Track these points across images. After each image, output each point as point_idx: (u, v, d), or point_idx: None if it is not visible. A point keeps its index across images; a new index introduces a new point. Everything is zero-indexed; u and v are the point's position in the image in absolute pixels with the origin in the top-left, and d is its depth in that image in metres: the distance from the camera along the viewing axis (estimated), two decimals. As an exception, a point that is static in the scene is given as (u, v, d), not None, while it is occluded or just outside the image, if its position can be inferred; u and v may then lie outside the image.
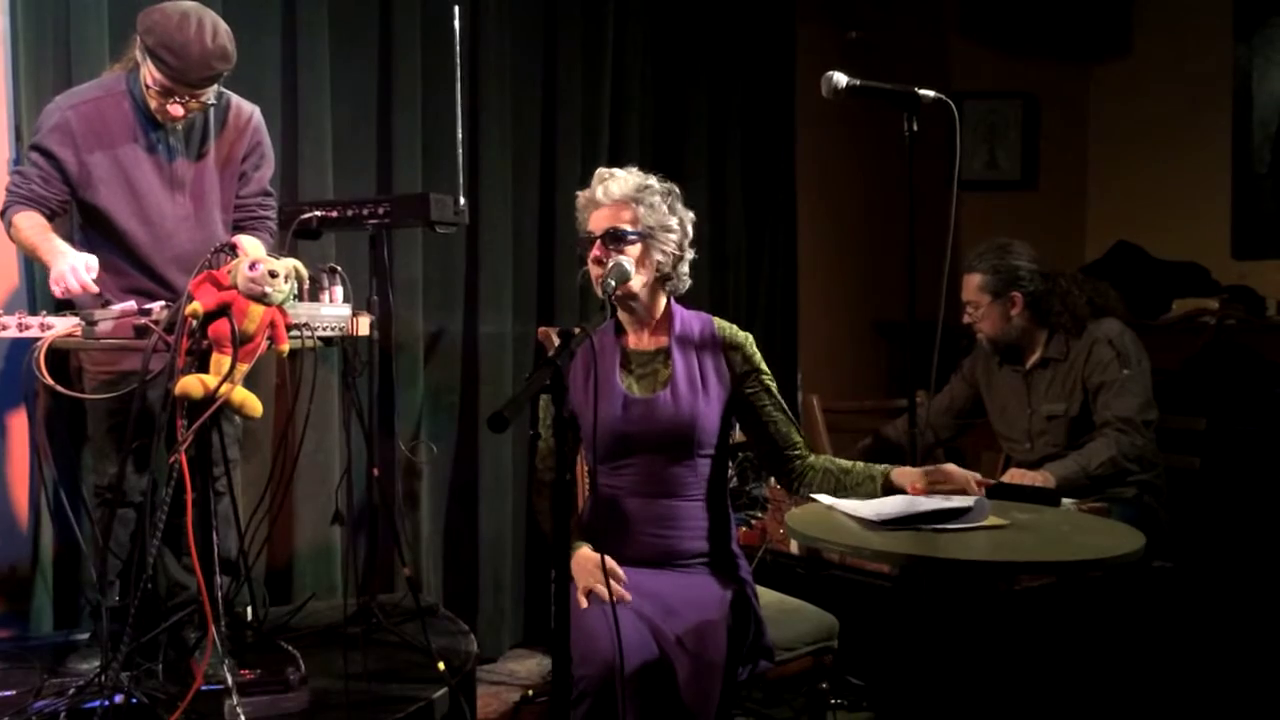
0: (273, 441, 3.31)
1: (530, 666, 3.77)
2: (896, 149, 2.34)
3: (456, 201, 2.97)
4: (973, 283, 3.25)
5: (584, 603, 2.18)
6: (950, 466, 2.24)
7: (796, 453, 2.39)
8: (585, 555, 2.26)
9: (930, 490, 2.19)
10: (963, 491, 2.17)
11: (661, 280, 2.35)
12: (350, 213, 2.92)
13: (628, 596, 2.17)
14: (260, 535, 2.78)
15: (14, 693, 2.45)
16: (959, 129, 2.34)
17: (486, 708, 3.27)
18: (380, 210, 2.91)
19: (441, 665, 2.66)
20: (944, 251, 2.41)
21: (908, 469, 2.27)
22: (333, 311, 2.48)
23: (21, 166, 2.64)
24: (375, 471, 2.99)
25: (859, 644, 2.77)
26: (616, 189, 2.29)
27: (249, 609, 2.94)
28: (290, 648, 2.65)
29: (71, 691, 2.38)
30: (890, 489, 2.25)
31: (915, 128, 2.27)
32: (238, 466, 2.86)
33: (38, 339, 2.25)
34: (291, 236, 2.80)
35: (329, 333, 2.48)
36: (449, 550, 3.80)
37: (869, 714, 3.13)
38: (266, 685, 2.41)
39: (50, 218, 2.60)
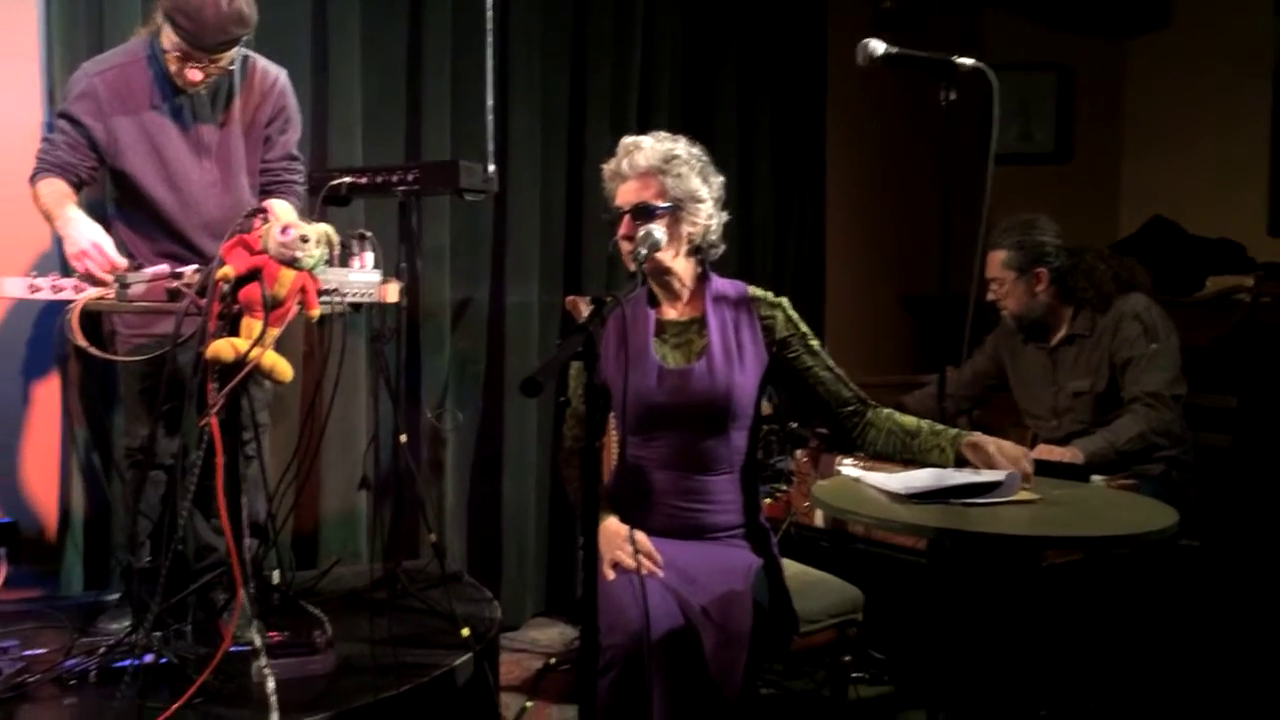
0: (300, 407, 3.33)
1: (552, 635, 3.79)
2: (926, 122, 2.31)
3: (486, 169, 2.96)
4: (997, 259, 3.23)
5: (610, 575, 2.17)
6: (995, 449, 2.17)
7: (852, 409, 2.34)
8: (613, 527, 2.25)
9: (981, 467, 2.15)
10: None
11: (693, 250, 2.32)
12: (380, 179, 2.91)
13: (660, 573, 2.17)
14: (287, 500, 2.79)
15: (45, 651, 2.47)
16: (995, 101, 2.30)
17: (509, 675, 3.29)
18: (409, 177, 2.90)
19: (466, 631, 2.68)
20: (974, 225, 2.38)
21: (976, 439, 2.19)
22: (362, 278, 2.47)
23: (51, 134, 2.65)
24: (402, 438, 3.00)
25: (882, 618, 2.77)
26: (642, 160, 2.26)
27: (276, 572, 2.97)
28: (317, 611, 2.67)
29: (102, 651, 2.40)
30: (961, 460, 2.19)
31: (953, 97, 2.23)
32: (267, 431, 2.87)
33: (71, 301, 2.26)
34: (321, 203, 2.79)
35: (358, 299, 2.48)
36: (473, 518, 3.82)
37: (889, 687, 3.13)
38: (294, 647, 2.43)
39: (78, 186, 2.60)
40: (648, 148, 2.27)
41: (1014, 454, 2.14)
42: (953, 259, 2.34)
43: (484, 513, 3.83)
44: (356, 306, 2.54)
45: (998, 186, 2.38)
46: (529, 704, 3.13)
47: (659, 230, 2.20)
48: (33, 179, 2.58)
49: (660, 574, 2.17)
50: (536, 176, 3.84)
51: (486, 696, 2.79)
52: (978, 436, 2.21)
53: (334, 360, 2.54)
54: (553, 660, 3.44)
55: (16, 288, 2.27)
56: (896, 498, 2.05)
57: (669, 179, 2.25)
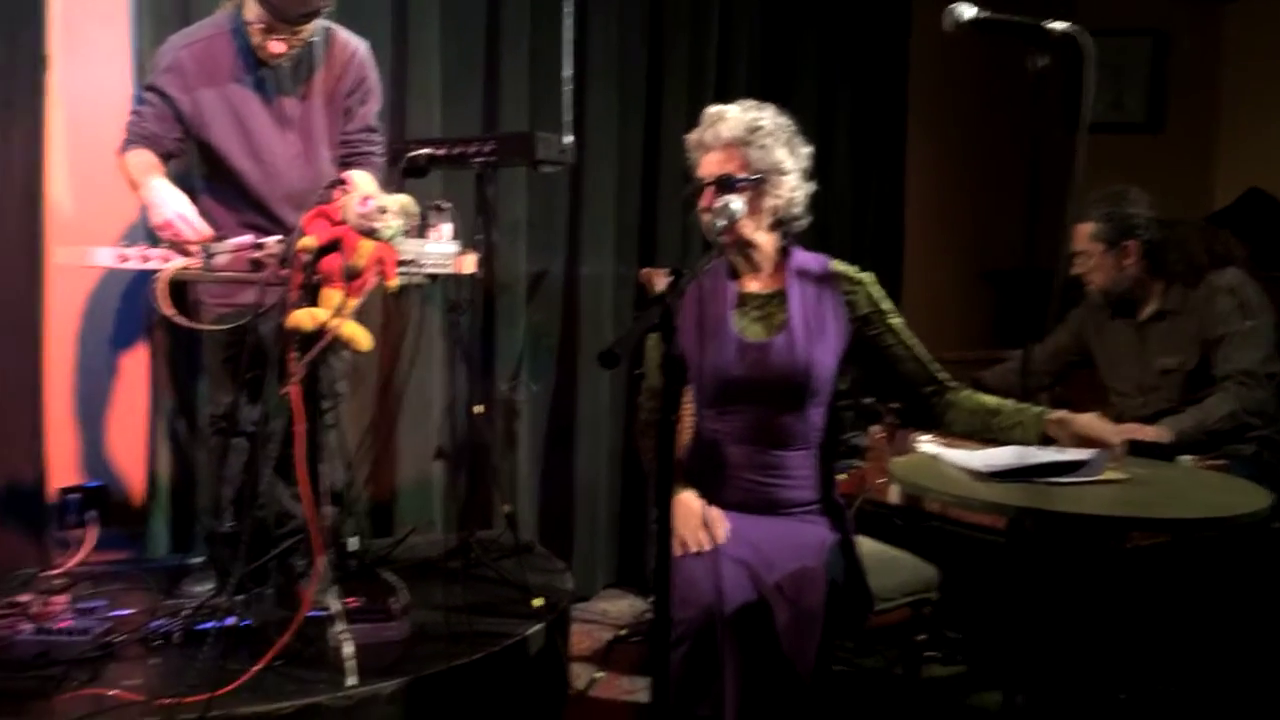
0: (377, 377, 3.37)
1: (622, 607, 3.80)
2: (1011, 90, 2.23)
3: (562, 140, 2.95)
4: (1084, 232, 3.14)
5: (680, 551, 2.16)
6: (1087, 423, 2.11)
7: (933, 388, 2.30)
8: (687, 502, 2.24)
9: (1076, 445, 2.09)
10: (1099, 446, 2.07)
11: (776, 223, 2.28)
12: (457, 151, 2.92)
13: (718, 541, 2.15)
14: (364, 468, 2.83)
15: (132, 612, 2.54)
16: (1088, 67, 2.21)
17: (579, 645, 3.31)
18: (486, 149, 2.90)
19: (538, 601, 2.69)
20: (1059, 197, 2.30)
21: (1061, 416, 2.14)
22: (439, 249, 2.47)
23: (139, 106, 2.69)
24: (477, 409, 3.01)
25: (957, 597, 2.72)
26: (726, 131, 2.22)
27: (354, 540, 3.01)
28: (393, 578, 2.70)
29: (186, 613, 2.47)
30: (1046, 437, 2.13)
31: (1043, 64, 2.15)
32: (345, 400, 2.90)
33: (157, 271, 2.31)
34: (400, 174, 2.80)
35: (436, 270, 2.49)
36: (545, 489, 3.84)
37: (963, 668, 3.09)
38: (370, 613, 2.47)
39: (165, 157, 2.64)
40: (732, 118, 2.23)
41: (1105, 430, 2.08)
42: (1036, 231, 2.27)
43: (556, 484, 3.85)
44: (433, 277, 2.55)
45: (1087, 157, 2.30)
46: (599, 675, 3.15)
47: (738, 203, 2.16)
48: (121, 150, 2.63)
49: (714, 543, 2.15)
50: (612, 149, 3.82)
51: (557, 666, 2.81)
52: (1063, 413, 2.15)
53: (410, 331, 2.55)
54: (623, 632, 3.45)
55: (106, 258, 2.32)
56: (977, 475, 2.01)
57: (753, 150, 2.21)
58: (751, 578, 2.10)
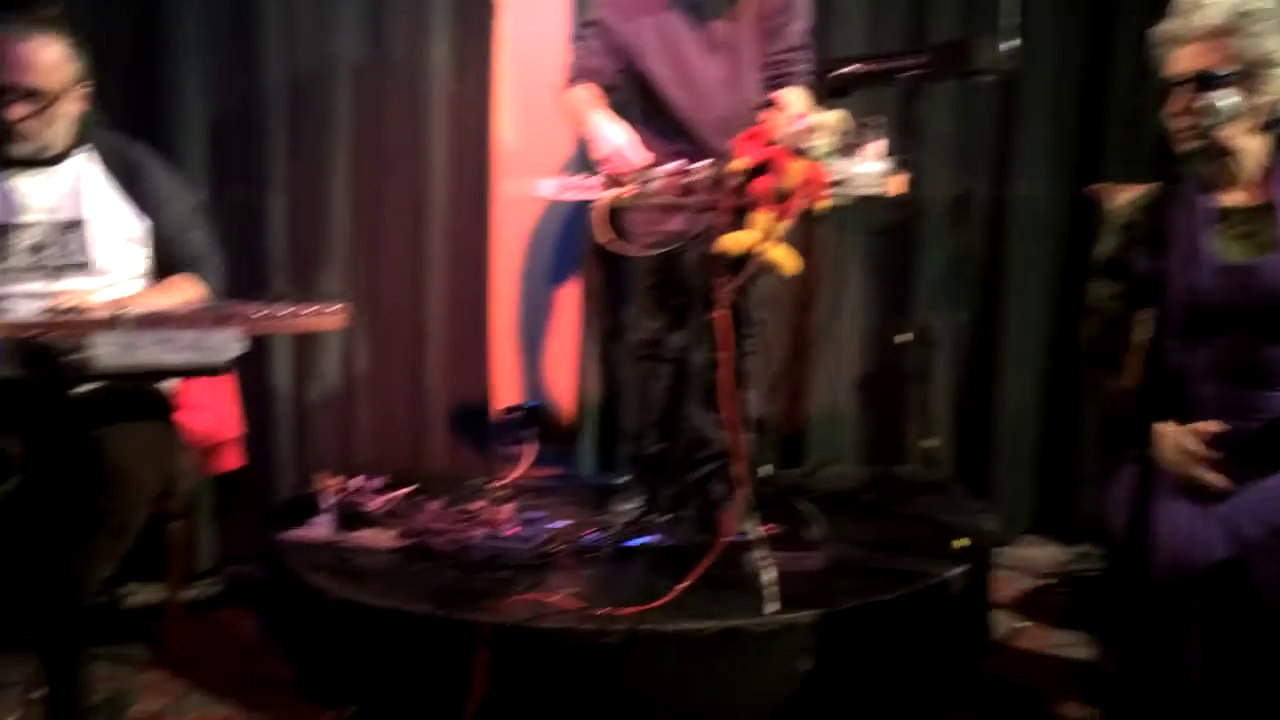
0: (793, 303, 3.33)
1: (1045, 554, 3.53)
2: None
3: (1000, 45, 2.71)
4: None
5: (1205, 479, 1.90)
6: None
7: None
8: (1172, 433, 1.97)
9: None
10: None
11: (1266, 125, 1.94)
12: (887, 66, 2.78)
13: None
14: (778, 397, 2.81)
15: (566, 525, 2.69)
16: None
17: (998, 592, 3.12)
18: (917, 62, 2.73)
19: (962, 542, 2.57)
20: None
21: None
22: (868, 169, 2.36)
23: (579, 42, 2.78)
24: (901, 339, 2.90)
25: None
26: (1211, 17, 1.90)
27: (766, 468, 3.02)
28: (811, 509, 2.68)
29: (617, 529, 2.59)
30: None
31: None
32: (765, 327, 2.89)
33: (594, 201, 2.39)
34: (824, 94, 2.71)
35: (864, 191, 2.37)
36: (965, 425, 3.64)
37: None
38: (788, 542, 2.46)
39: (607, 90, 2.72)
40: (1214, 3, 1.91)
41: None
42: None
43: (976, 419, 3.63)
44: (861, 199, 2.44)
45: None
46: (1023, 625, 2.96)
47: (1231, 99, 1.86)
48: (565, 86, 2.74)
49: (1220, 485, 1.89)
50: (1051, 55, 3.44)
51: (979, 612, 2.68)
52: None
53: (830, 256, 2.48)
54: (1051, 580, 3.21)
55: (549, 189, 2.44)
56: None
57: (1242, 40, 1.88)
58: (1227, 532, 1.84)
